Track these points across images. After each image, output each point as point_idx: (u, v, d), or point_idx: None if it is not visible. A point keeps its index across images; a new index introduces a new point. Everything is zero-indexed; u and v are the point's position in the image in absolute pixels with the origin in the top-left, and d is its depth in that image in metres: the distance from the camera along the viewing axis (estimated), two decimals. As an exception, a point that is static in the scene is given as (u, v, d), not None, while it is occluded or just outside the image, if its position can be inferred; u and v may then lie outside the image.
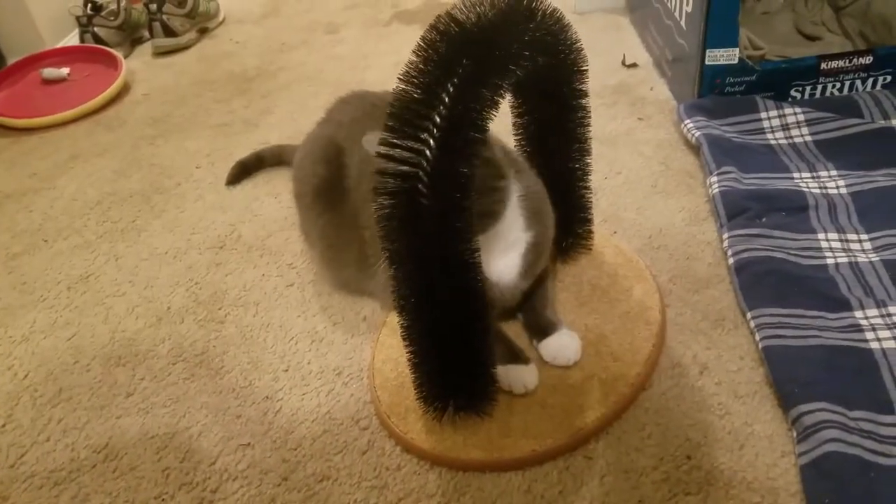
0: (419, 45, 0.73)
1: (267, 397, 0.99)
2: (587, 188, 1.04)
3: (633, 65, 1.68)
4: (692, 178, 1.28)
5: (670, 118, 1.43)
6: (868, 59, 1.32)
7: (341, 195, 1.04)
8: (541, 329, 0.95)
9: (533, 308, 0.97)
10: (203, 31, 2.15)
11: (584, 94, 0.93)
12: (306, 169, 1.10)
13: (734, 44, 1.30)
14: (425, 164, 0.71)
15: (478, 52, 0.73)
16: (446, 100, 0.71)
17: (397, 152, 0.72)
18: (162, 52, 2.05)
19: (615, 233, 1.18)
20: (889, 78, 1.34)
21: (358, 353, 1.04)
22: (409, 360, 0.85)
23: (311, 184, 1.07)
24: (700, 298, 1.03)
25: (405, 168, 0.72)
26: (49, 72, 1.92)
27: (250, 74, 1.91)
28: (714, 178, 1.19)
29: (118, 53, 1.96)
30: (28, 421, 1.01)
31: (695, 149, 1.31)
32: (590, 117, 0.96)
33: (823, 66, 1.33)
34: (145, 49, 2.12)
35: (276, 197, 1.41)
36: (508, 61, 0.74)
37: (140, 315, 1.17)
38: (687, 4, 1.35)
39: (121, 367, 1.07)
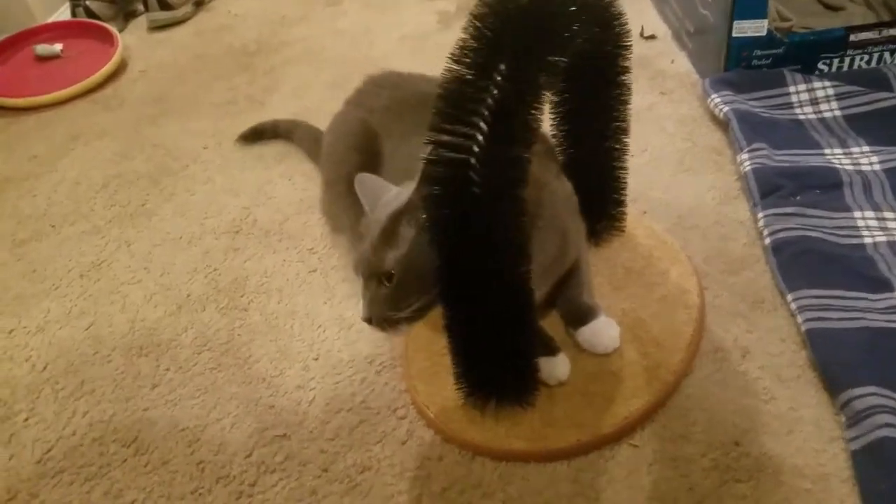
0: (469, 21, 0.70)
1: (299, 386, 0.97)
2: (623, 168, 1.01)
3: (652, 36, 1.63)
4: (720, 154, 1.25)
5: (693, 92, 1.40)
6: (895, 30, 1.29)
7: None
8: (578, 317, 0.92)
9: (568, 295, 0.94)
10: (199, 4, 2.07)
11: (627, 70, 0.90)
12: (339, 154, 1.06)
13: (763, 15, 1.27)
14: (477, 149, 0.68)
15: (531, 27, 0.69)
16: (499, 80, 0.67)
17: (447, 138, 0.68)
18: (158, 27, 1.98)
19: (645, 213, 1.15)
20: (918, 50, 1.31)
21: (388, 340, 1.01)
22: (450, 350, 0.83)
23: (344, 170, 1.03)
24: (737, 280, 1.01)
25: (455, 155, 0.68)
26: (42, 48, 1.84)
27: (251, 49, 1.85)
28: (745, 156, 1.17)
29: (112, 28, 1.88)
30: (51, 415, 0.98)
31: (721, 124, 1.28)
32: (630, 94, 0.93)
33: (852, 37, 1.30)
34: (140, 23, 2.04)
35: (289, 179, 1.36)
36: (564, 37, 0.70)
37: (158, 303, 1.13)
38: (712, -25, 1.32)
39: (143, 358, 1.04)
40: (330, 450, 0.89)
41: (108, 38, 1.85)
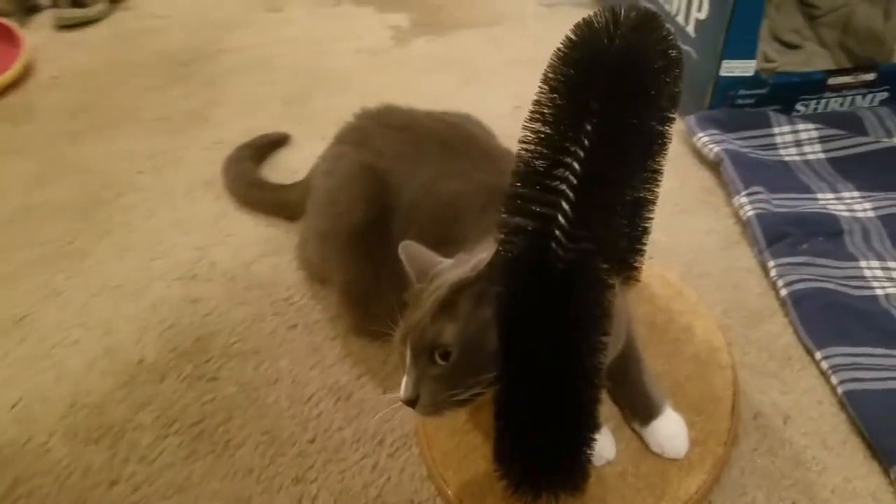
0: (547, 73, 0.60)
1: (296, 479, 0.82)
2: (651, 219, 0.94)
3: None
4: (711, 194, 1.22)
5: (675, 129, 1.36)
6: (872, 76, 1.32)
7: (383, 240, 0.87)
8: (642, 410, 0.83)
9: (629, 383, 0.84)
10: (115, 2, 1.83)
11: (673, 120, 0.82)
12: (342, 203, 0.91)
13: (753, 55, 1.25)
14: (561, 218, 0.58)
15: (620, 81, 0.60)
16: (585, 142, 0.58)
17: (528, 206, 0.59)
18: (67, 25, 1.73)
19: (651, 258, 1.09)
20: (887, 94, 1.34)
21: (397, 414, 0.88)
22: (499, 434, 0.72)
23: (347, 223, 0.90)
24: (761, 335, 0.97)
25: (536, 224, 0.59)
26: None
27: (184, 57, 1.64)
28: (744, 199, 1.14)
29: (13, 25, 1.61)
30: (-25, 529, 0.78)
31: (709, 163, 1.25)
32: (670, 143, 0.86)
33: (830, 80, 1.31)
34: (44, 19, 1.77)
35: (248, 213, 1.20)
36: (658, 94, 0.62)
37: (105, 372, 0.94)
38: (699, 11, 1.28)
39: (93, 446, 0.85)
40: (347, 559, 0.75)
41: (9, 37, 1.58)
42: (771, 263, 1.04)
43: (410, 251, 0.72)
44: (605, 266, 0.62)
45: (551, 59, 0.62)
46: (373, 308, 0.91)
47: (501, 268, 0.62)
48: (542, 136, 0.61)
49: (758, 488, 0.80)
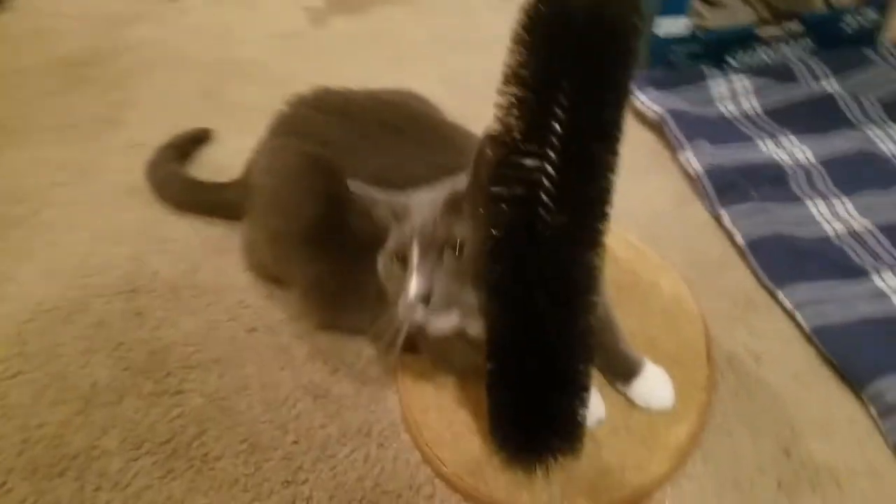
0: (518, 34, 0.59)
1: (286, 482, 0.77)
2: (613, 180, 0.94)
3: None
4: (657, 154, 1.24)
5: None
6: (797, 26, 1.37)
7: (344, 233, 0.82)
8: (622, 370, 0.83)
9: (606, 346, 0.83)
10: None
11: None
12: (290, 202, 0.86)
13: (686, 12, 1.27)
14: (546, 182, 0.58)
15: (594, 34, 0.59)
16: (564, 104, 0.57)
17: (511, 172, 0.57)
18: (-57, 32, 1.56)
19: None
20: (810, 42, 1.40)
21: (380, 404, 0.85)
22: (494, 406, 0.71)
23: (299, 221, 0.84)
24: (724, 283, 0.99)
25: (522, 191, 0.58)
26: None
27: (83, 57, 1.52)
28: (689, 154, 1.16)
29: None
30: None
31: (651, 123, 1.27)
32: (627, 103, 0.85)
33: (760, 32, 1.36)
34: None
35: (183, 215, 1.12)
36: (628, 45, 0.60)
37: (55, 401, 0.86)
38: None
39: (59, 479, 0.77)
40: (355, 560, 0.72)
41: None
42: (724, 214, 1.07)
43: (361, 187, 0.74)
44: (593, 226, 0.61)
45: (520, 19, 0.60)
46: (339, 303, 0.87)
47: (491, 237, 0.60)
48: (521, 99, 0.59)
49: (742, 428, 0.82)
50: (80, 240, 1.08)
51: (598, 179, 0.61)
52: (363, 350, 0.91)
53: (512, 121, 0.59)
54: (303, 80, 1.01)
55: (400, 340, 0.69)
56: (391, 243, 0.71)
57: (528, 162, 0.59)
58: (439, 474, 0.77)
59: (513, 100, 0.59)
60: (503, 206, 0.60)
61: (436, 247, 0.66)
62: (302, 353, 0.91)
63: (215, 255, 1.05)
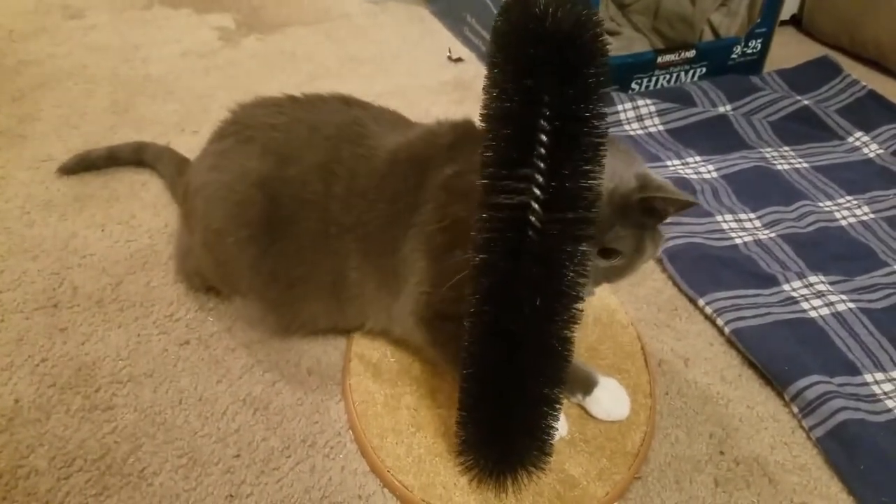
0: (494, 50, 0.60)
1: (230, 496, 0.74)
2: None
3: (460, 59, 1.65)
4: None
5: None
6: (692, 54, 1.48)
7: (291, 225, 0.81)
8: (580, 384, 0.84)
9: None
10: None
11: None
12: (236, 195, 0.82)
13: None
14: (536, 190, 0.60)
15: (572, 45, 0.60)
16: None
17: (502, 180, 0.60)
18: None
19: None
20: (704, 69, 1.52)
21: (323, 415, 0.83)
22: (468, 423, 0.71)
23: (243, 217, 0.81)
24: (646, 292, 1.05)
25: (513, 199, 0.60)
26: None
27: (-23, 72, 1.43)
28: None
29: None
30: None
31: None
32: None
33: (660, 59, 1.46)
34: None
35: (101, 229, 1.07)
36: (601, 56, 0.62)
37: (-30, 422, 0.79)
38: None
39: (-24, 507, 0.71)
40: (304, 571, 0.69)
41: None
42: (641, 226, 1.13)
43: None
44: (581, 233, 0.62)
45: (493, 35, 0.61)
46: (297, 295, 0.85)
47: (481, 246, 0.62)
48: (506, 112, 0.60)
49: (678, 427, 0.86)
50: (-10, 254, 1.01)
51: (584, 187, 0.61)
52: (301, 360, 0.89)
53: (500, 135, 0.60)
54: (216, 97, 0.99)
55: None
56: None
57: (518, 173, 0.60)
58: (404, 501, 0.75)
59: (498, 113, 0.60)
60: (495, 217, 0.61)
61: None
62: (238, 366, 0.88)
63: (139, 269, 1.01)
